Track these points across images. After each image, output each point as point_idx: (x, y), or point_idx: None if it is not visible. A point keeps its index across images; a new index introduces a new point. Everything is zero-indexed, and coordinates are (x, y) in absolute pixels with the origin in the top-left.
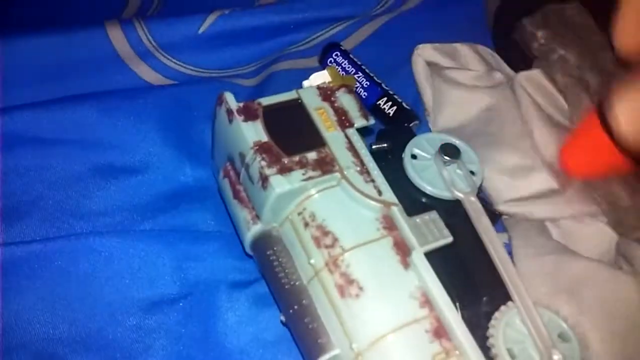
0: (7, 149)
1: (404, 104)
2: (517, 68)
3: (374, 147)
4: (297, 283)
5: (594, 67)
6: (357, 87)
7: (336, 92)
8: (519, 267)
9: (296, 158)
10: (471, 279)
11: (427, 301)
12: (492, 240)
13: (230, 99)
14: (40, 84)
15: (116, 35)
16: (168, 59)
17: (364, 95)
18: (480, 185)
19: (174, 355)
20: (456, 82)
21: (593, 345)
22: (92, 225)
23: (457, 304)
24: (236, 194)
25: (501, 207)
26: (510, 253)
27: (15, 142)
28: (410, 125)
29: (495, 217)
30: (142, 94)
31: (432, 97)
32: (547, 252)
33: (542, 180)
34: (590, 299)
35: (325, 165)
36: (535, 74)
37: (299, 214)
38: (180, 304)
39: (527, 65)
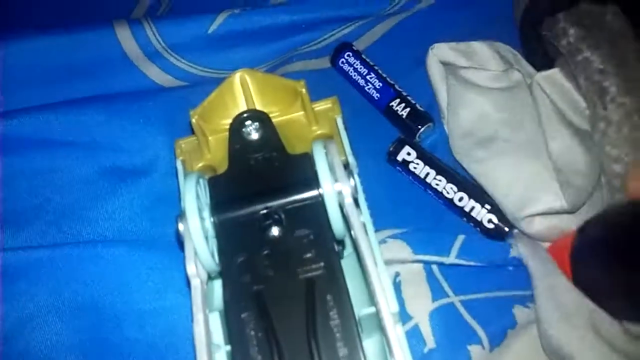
0: (14, 152)
1: (417, 106)
2: (538, 63)
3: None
4: None
5: (619, 74)
6: (369, 88)
7: None
8: (538, 301)
9: None
10: None
11: None
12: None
13: None
14: (48, 86)
15: (125, 36)
16: (177, 59)
17: (377, 96)
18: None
19: None
20: (471, 83)
21: None
22: (99, 232)
23: None
24: None
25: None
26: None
27: (22, 145)
28: (424, 127)
29: (504, 233)
30: (151, 95)
31: (446, 99)
32: (567, 289)
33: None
34: (604, 340)
35: None
36: (554, 73)
37: None
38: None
39: (549, 64)
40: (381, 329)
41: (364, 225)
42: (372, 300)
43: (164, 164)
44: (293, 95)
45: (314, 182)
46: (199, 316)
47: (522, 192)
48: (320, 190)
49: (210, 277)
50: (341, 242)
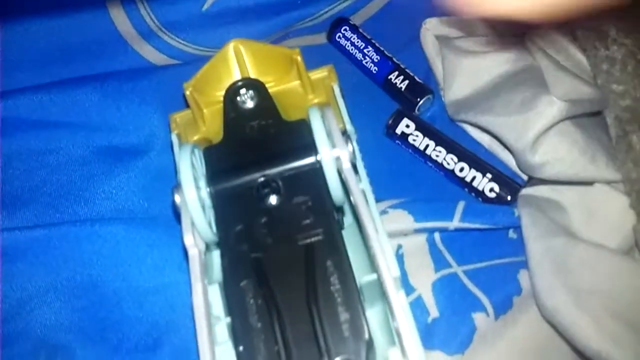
0: (9, 133)
1: (416, 78)
2: None
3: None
4: None
5: (616, 18)
6: (367, 62)
7: None
8: (528, 247)
9: None
10: None
11: None
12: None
13: None
14: (42, 67)
15: (118, 16)
16: (172, 38)
17: (375, 70)
18: None
19: (184, 350)
20: (466, 50)
21: (586, 330)
22: (96, 211)
23: None
24: None
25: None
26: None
27: (17, 126)
28: (423, 99)
29: (506, 202)
30: (146, 74)
31: (442, 71)
32: (554, 234)
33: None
34: (591, 282)
35: None
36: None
37: None
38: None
39: None
40: (383, 295)
41: (364, 192)
42: (373, 266)
43: (160, 142)
44: (288, 64)
45: (311, 149)
46: (197, 286)
47: (527, 146)
48: (318, 157)
49: (208, 249)
50: (340, 210)
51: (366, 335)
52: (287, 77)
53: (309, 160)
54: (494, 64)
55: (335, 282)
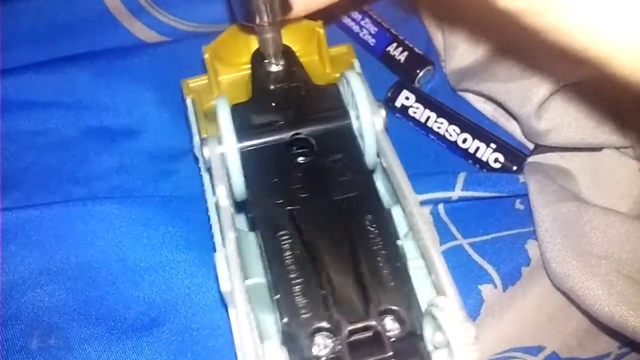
0: None
1: (415, 49)
2: None
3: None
4: None
5: None
6: (364, 34)
7: None
8: (536, 214)
9: None
10: None
11: None
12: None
13: None
14: (30, 46)
15: None
16: (162, 14)
17: (372, 42)
18: None
19: (183, 329)
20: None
21: (598, 294)
22: (89, 191)
23: None
24: None
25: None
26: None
27: (6, 107)
28: (423, 71)
29: (511, 172)
30: (137, 52)
31: (442, 41)
32: (563, 200)
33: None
34: (602, 246)
35: None
36: None
37: None
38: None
39: None
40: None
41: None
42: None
43: (153, 121)
44: (307, 37)
45: (344, 110)
46: (230, 234)
47: (531, 112)
48: (352, 118)
49: None
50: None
51: (409, 287)
52: (306, 49)
53: (343, 121)
54: (495, 28)
55: (376, 236)
